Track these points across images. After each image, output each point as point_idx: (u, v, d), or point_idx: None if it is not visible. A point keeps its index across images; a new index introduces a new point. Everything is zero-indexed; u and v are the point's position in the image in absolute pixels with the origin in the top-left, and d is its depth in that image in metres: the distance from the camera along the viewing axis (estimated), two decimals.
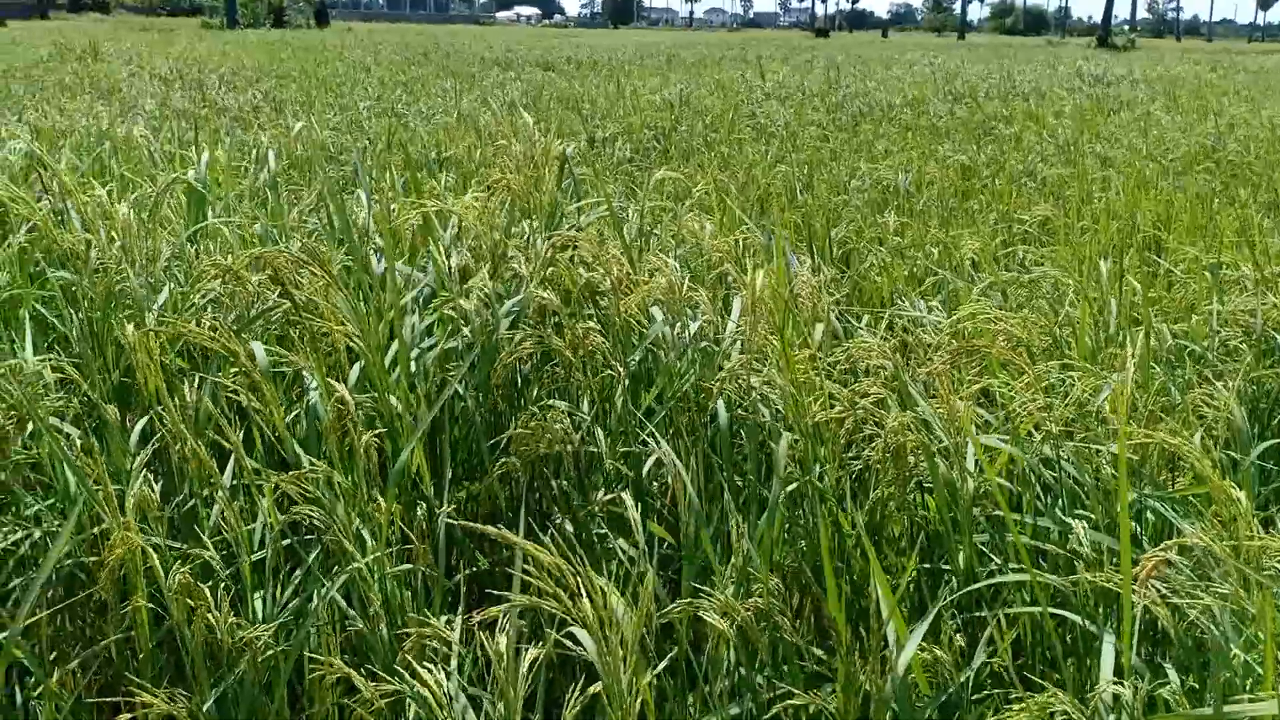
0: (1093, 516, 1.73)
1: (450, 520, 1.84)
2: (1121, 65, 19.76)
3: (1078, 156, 6.67)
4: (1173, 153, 6.95)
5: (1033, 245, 4.04)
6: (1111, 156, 6.74)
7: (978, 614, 1.69)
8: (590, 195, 2.87)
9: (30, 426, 1.84)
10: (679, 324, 2.17)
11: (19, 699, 1.73)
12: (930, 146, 7.15)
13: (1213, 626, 1.33)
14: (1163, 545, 1.42)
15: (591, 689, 1.41)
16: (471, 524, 1.50)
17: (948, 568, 1.74)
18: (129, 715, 1.66)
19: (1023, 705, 1.27)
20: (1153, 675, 1.46)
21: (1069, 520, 1.64)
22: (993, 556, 1.72)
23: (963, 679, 1.53)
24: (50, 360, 1.93)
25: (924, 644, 1.52)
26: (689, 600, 1.54)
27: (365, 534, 1.72)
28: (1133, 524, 1.76)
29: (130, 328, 1.85)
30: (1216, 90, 13.47)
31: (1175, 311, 2.93)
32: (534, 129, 2.67)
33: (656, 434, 1.95)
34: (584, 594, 1.38)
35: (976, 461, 1.86)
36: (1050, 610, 1.64)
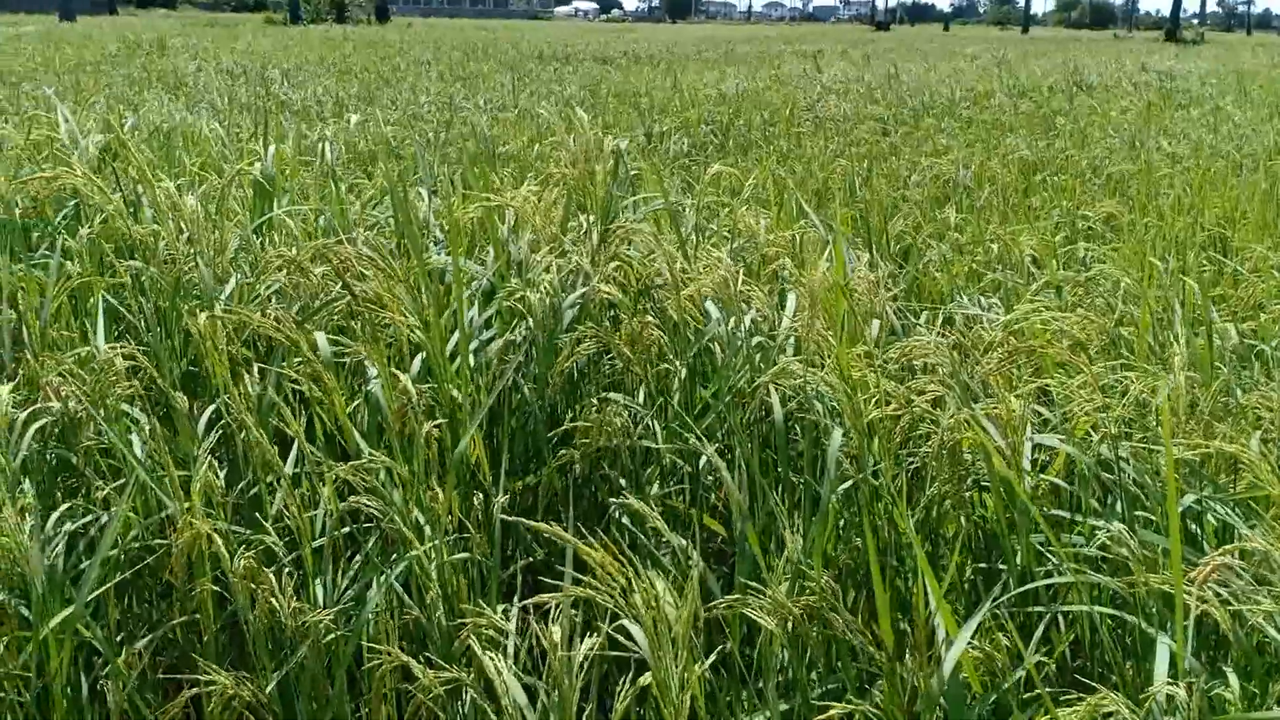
0: (1153, 518, 1.71)
1: (505, 516, 1.87)
2: (1190, 60, 19.35)
3: (1144, 152, 6.55)
4: (1243, 149, 6.80)
5: (1096, 242, 3.98)
6: (1179, 152, 6.61)
7: (1029, 610, 1.67)
8: (645, 190, 2.88)
9: (101, 412, 1.89)
10: (733, 319, 2.17)
11: (85, 682, 1.78)
12: (993, 141, 7.07)
13: (1274, 631, 1.31)
14: (1222, 550, 1.40)
15: (641, 680, 1.43)
16: (524, 519, 1.52)
17: (1004, 568, 1.73)
18: (192, 691, 1.71)
19: (1073, 708, 1.26)
20: (1212, 678, 1.44)
21: (1115, 525, 1.62)
22: (1049, 557, 1.70)
23: (1015, 678, 1.53)
24: (121, 348, 1.99)
25: (974, 643, 1.52)
26: (736, 597, 1.55)
27: (423, 523, 1.74)
28: (1193, 526, 1.74)
29: (201, 318, 1.90)
30: None
31: (1243, 310, 2.87)
32: (588, 123, 2.69)
33: (708, 433, 1.96)
34: (634, 590, 1.39)
35: (1033, 460, 1.84)
36: (1105, 610, 1.62)
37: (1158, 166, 5.86)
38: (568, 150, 2.54)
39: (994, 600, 1.64)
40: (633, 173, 2.68)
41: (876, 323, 2.19)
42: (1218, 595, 1.37)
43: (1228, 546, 1.42)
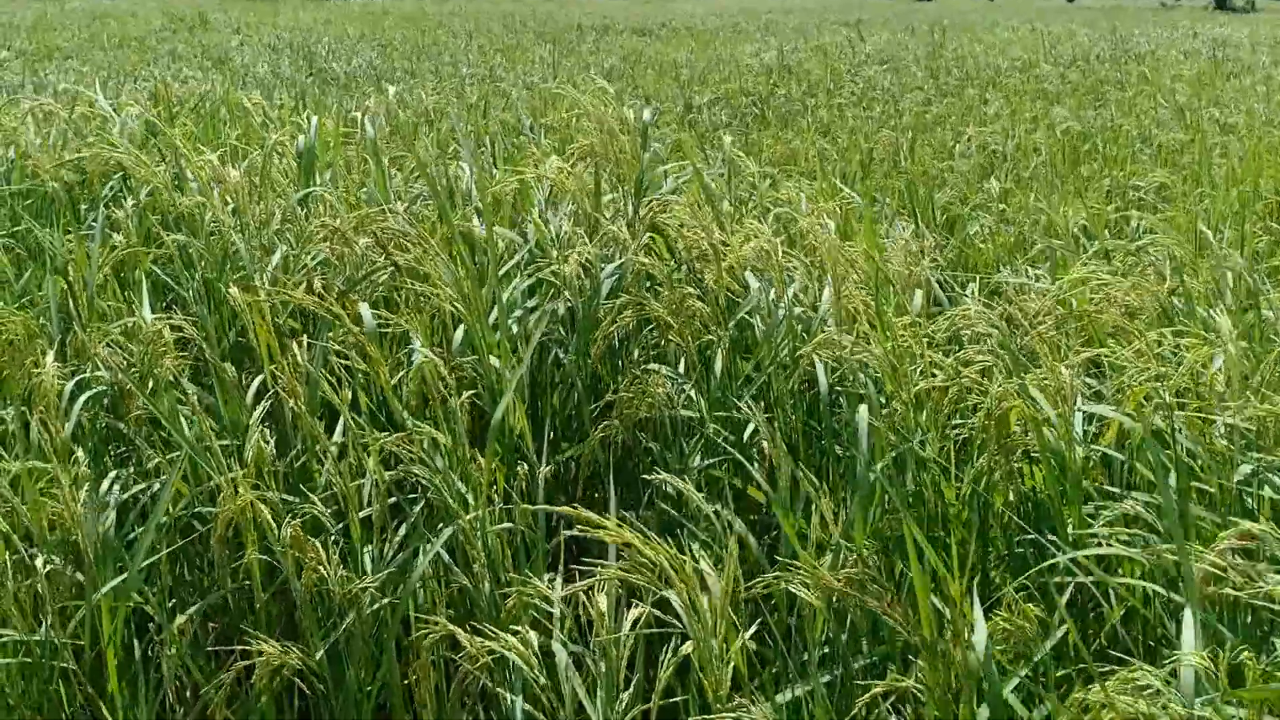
0: (1209, 489, 1.68)
1: (548, 488, 1.87)
2: (1242, 28, 18.91)
3: (1195, 122, 6.42)
4: None
5: (1148, 212, 3.91)
6: (1232, 122, 6.47)
7: (1069, 589, 1.65)
8: (679, 160, 2.86)
9: (151, 383, 1.91)
10: (773, 290, 2.15)
11: (137, 646, 1.81)
12: (1040, 111, 6.95)
13: None
14: (1231, 533, 1.38)
15: (683, 649, 1.43)
16: (562, 509, 1.52)
17: (1054, 539, 1.71)
18: (244, 663, 1.73)
19: (1107, 681, 1.25)
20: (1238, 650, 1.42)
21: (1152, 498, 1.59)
22: (1100, 530, 1.68)
23: (1046, 649, 1.51)
24: (169, 320, 2.01)
25: (1005, 617, 1.50)
26: (776, 574, 1.54)
27: (468, 493, 1.75)
28: (1247, 498, 1.70)
29: (235, 291, 1.91)
30: None
31: None
32: (614, 95, 2.67)
33: (752, 404, 1.94)
34: (675, 570, 1.39)
35: (1084, 432, 1.81)
36: (1146, 584, 1.60)
37: (1210, 136, 5.74)
38: (600, 122, 2.53)
39: (1033, 570, 1.63)
40: (669, 141, 2.66)
41: (919, 293, 2.16)
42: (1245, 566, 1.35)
43: (1236, 530, 1.40)
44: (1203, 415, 1.73)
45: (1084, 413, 1.77)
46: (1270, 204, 4.10)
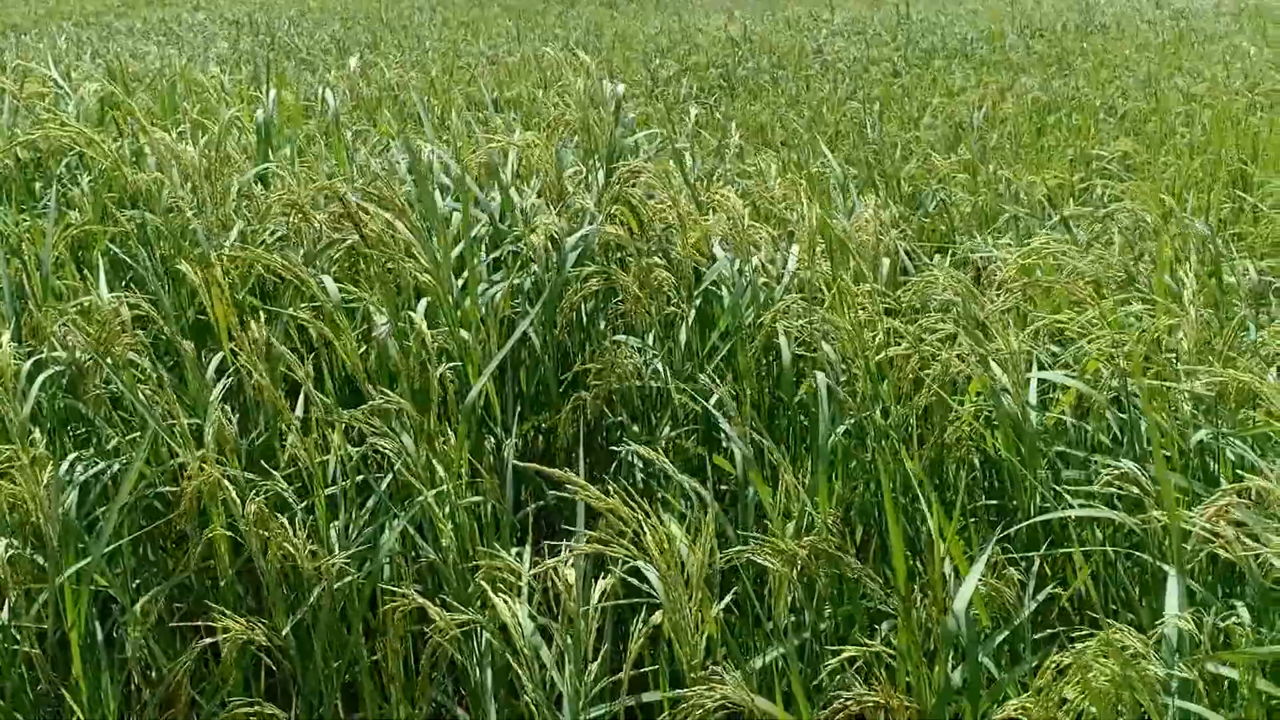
0: (1169, 454, 1.69)
1: (517, 460, 1.86)
2: None
3: (1159, 91, 6.45)
4: (1260, 86, 6.68)
5: (1112, 181, 3.93)
6: (1195, 91, 6.50)
7: (1039, 554, 1.67)
8: (650, 135, 2.85)
9: (109, 361, 1.89)
10: (738, 261, 2.15)
11: (101, 629, 1.79)
12: (1006, 81, 6.96)
13: None
14: (1227, 488, 1.39)
15: (654, 619, 1.43)
16: (531, 464, 1.52)
17: (1015, 504, 1.72)
18: (209, 641, 1.72)
19: (1086, 642, 1.26)
20: (1224, 613, 1.43)
21: (1127, 462, 1.61)
22: (1063, 493, 1.69)
23: (1027, 613, 1.52)
24: (126, 297, 1.98)
25: (985, 579, 1.51)
26: (743, 546, 1.54)
27: (437, 465, 1.74)
28: (1209, 461, 1.72)
29: (190, 264, 1.88)
30: None
31: (1262, 247, 2.84)
32: (592, 67, 2.65)
33: (717, 374, 1.94)
34: (646, 533, 1.39)
35: (1049, 399, 1.83)
36: (1115, 549, 1.62)
37: (1173, 104, 5.77)
38: (571, 94, 2.51)
39: (1002, 534, 1.64)
40: (632, 116, 2.64)
41: (886, 261, 2.17)
42: (1232, 530, 1.35)
43: (1231, 486, 1.41)
44: (1163, 381, 1.74)
45: (1041, 380, 1.78)
46: (1233, 171, 4.13)
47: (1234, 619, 1.41)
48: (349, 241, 1.97)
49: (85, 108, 2.92)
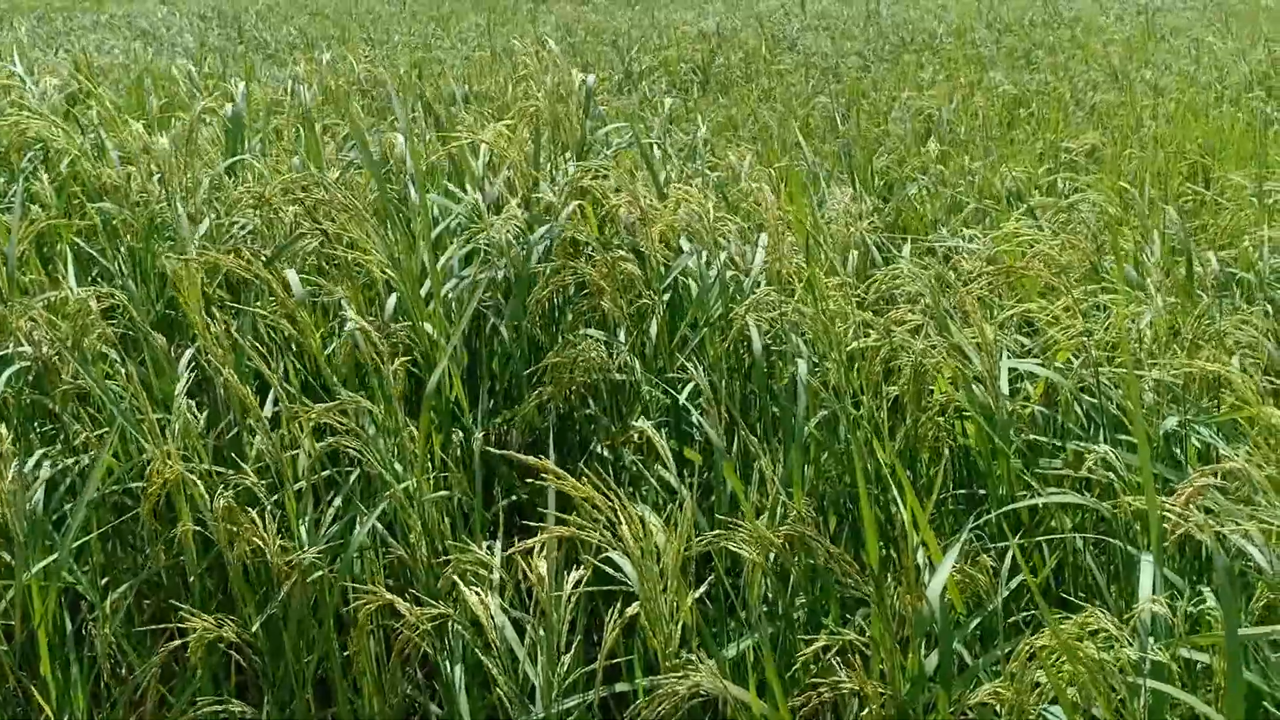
0: (1135, 441, 1.71)
1: (488, 449, 1.86)
2: None
3: (1126, 84, 6.51)
4: (1225, 79, 6.76)
5: (1079, 173, 3.96)
6: (1162, 84, 6.57)
7: (1014, 542, 1.68)
8: (620, 128, 2.84)
9: (77, 355, 1.87)
10: (706, 253, 2.15)
11: (69, 626, 1.78)
12: (975, 75, 7.01)
13: (1254, 550, 1.31)
14: (1199, 471, 1.40)
15: (629, 611, 1.43)
16: (503, 451, 1.52)
17: (985, 492, 1.73)
18: (178, 641, 1.71)
19: (1061, 626, 1.27)
20: (1194, 598, 1.45)
21: (1098, 448, 1.62)
22: (1031, 482, 1.71)
23: (1000, 599, 1.54)
24: (96, 291, 1.96)
25: (958, 566, 1.52)
26: (719, 533, 1.55)
27: (399, 464, 1.73)
28: (1175, 449, 1.74)
29: (173, 258, 1.87)
30: (1272, 15, 13.05)
31: (1222, 239, 2.87)
32: (561, 60, 2.64)
33: (689, 366, 1.95)
34: (621, 522, 1.39)
35: (1019, 388, 1.84)
36: (1087, 535, 1.63)
37: (1140, 98, 5.82)
38: (541, 87, 2.50)
39: (975, 523, 1.65)
40: (602, 109, 2.63)
41: (855, 253, 2.18)
42: (1201, 515, 1.37)
43: (1207, 468, 1.43)
44: (1130, 370, 1.76)
45: (1011, 369, 1.80)
46: (1195, 164, 4.18)
47: (1205, 604, 1.42)
48: (318, 238, 1.96)
49: (50, 102, 2.88)
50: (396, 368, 1.74)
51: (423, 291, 1.99)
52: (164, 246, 2.17)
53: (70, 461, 1.86)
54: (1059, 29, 11.11)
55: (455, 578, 1.54)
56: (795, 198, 2.16)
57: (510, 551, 1.45)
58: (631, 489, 1.95)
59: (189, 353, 1.93)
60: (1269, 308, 2.12)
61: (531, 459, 1.43)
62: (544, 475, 1.44)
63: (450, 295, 2.12)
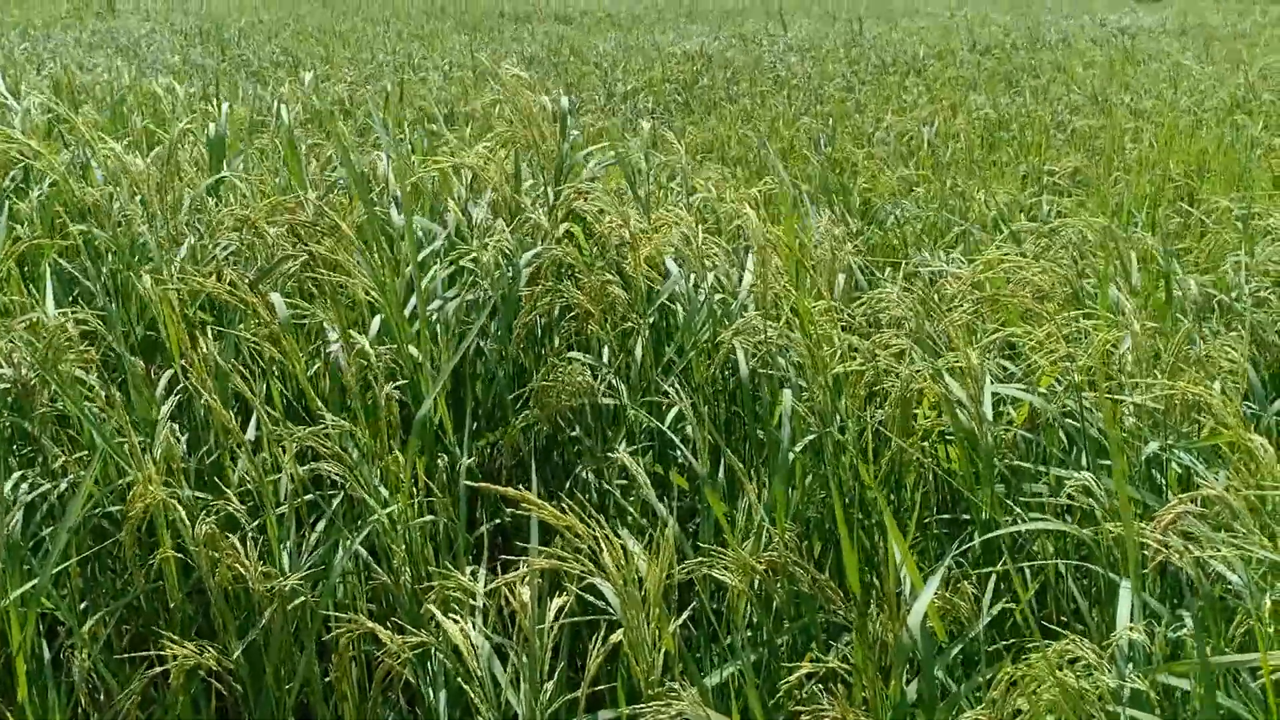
0: (1119, 467, 1.72)
1: (470, 479, 1.85)
2: (1153, 15, 19.40)
3: (1108, 108, 6.57)
4: (1205, 104, 6.83)
5: (1062, 197, 3.99)
6: (1143, 108, 6.63)
7: (997, 569, 1.69)
8: (603, 149, 2.85)
9: (55, 378, 1.85)
10: (692, 276, 2.16)
11: (48, 652, 1.76)
12: (957, 98, 7.06)
13: (1233, 576, 1.32)
14: (1178, 498, 1.41)
15: (613, 638, 1.42)
16: (486, 484, 1.51)
17: (968, 518, 1.74)
18: (159, 669, 1.69)
19: (1040, 653, 1.27)
20: (1174, 624, 1.46)
21: (1079, 474, 1.63)
22: (1014, 507, 1.71)
23: (981, 626, 1.54)
24: (74, 314, 1.94)
25: (940, 593, 1.52)
26: (701, 560, 1.54)
27: (384, 488, 1.73)
28: (1155, 474, 1.75)
29: (147, 280, 1.86)
30: (1247, 40, 13.20)
31: (1205, 262, 2.89)
32: (535, 82, 2.64)
33: (674, 388, 1.95)
34: (604, 550, 1.39)
35: (1000, 413, 1.85)
36: (1067, 561, 1.63)
37: (1122, 122, 5.88)
38: (519, 109, 2.50)
39: (958, 549, 1.65)
40: (577, 132, 2.64)
41: (842, 277, 2.18)
42: (1180, 541, 1.37)
43: (1183, 495, 1.43)
44: (1111, 395, 1.77)
45: (995, 394, 1.80)
46: (1181, 187, 4.21)
47: (1185, 630, 1.43)
48: (301, 259, 1.96)
49: (32, 121, 2.87)
50: (389, 391, 1.74)
51: (407, 312, 1.98)
52: (146, 267, 2.16)
53: (49, 485, 1.84)
54: (1040, 50, 11.22)
55: (436, 609, 1.53)
56: (783, 220, 2.17)
57: (492, 585, 1.44)
58: (615, 514, 1.94)
59: (168, 375, 1.92)
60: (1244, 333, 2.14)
61: (512, 491, 1.42)
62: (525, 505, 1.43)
63: (435, 318, 2.11)
